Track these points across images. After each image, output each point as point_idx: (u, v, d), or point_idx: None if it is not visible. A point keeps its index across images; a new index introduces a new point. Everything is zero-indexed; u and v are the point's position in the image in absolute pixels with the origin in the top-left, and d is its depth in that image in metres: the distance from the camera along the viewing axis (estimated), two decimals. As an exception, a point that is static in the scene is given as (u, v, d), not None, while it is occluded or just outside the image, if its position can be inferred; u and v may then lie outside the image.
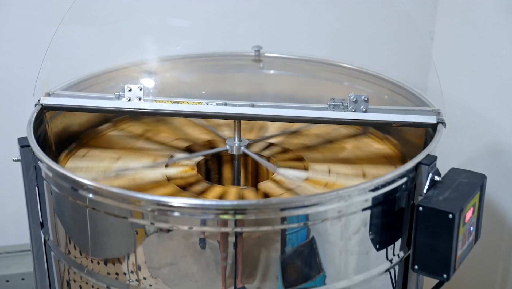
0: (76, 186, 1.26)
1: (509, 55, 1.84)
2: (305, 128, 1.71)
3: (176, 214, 1.19)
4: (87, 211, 1.26)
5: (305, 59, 1.84)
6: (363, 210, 1.25)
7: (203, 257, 1.23)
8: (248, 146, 1.55)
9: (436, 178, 1.30)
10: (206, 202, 1.23)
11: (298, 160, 1.55)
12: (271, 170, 1.50)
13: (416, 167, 1.30)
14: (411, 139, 1.57)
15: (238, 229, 1.19)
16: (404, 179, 1.29)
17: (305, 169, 1.50)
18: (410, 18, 1.76)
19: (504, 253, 1.90)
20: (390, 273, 1.36)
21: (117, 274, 1.29)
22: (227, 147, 1.55)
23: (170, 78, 1.78)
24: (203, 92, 1.77)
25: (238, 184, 1.59)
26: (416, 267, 1.28)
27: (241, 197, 1.42)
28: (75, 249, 1.34)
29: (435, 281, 1.36)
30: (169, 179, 1.47)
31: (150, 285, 1.26)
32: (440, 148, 1.37)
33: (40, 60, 1.54)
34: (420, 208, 1.24)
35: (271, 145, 1.63)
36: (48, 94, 1.55)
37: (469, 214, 1.28)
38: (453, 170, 1.35)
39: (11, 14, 1.91)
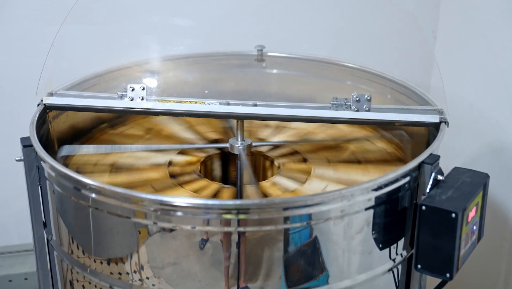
0: (78, 185, 1.26)
1: (511, 54, 1.84)
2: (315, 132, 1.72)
3: (179, 213, 1.19)
4: (90, 211, 1.26)
5: (307, 59, 1.84)
6: (366, 209, 1.25)
7: (206, 256, 1.23)
8: (252, 146, 1.55)
9: (439, 177, 1.30)
10: (209, 202, 1.23)
11: (302, 162, 1.55)
12: (251, 182, 1.51)
13: (419, 166, 1.30)
14: (414, 138, 1.57)
15: (241, 229, 1.19)
16: (407, 178, 1.28)
17: (307, 172, 1.50)
18: (413, 18, 1.76)
19: (507, 252, 1.89)
20: (393, 273, 1.36)
21: (120, 273, 1.29)
22: (228, 145, 1.55)
23: (172, 78, 1.79)
24: (206, 91, 1.77)
25: (240, 182, 1.59)
26: (419, 266, 1.28)
27: (216, 195, 1.43)
28: (78, 248, 1.34)
29: (438, 280, 1.36)
30: (170, 165, 1.50)
31: (153, 285, 1.26)
32: (443, 147, 1.37)
33: (41, 59, 1.54)
34: (423, 207, 1.24)
35: (279, 145, 1.63)
36: (51, 94, 1.55)
37: (472, 213, 1.28)
38: (456, 169, 1.35)
39: (12, 13, 1.91)
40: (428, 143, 1.46)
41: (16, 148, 1.39)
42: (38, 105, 1.52)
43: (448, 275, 1.26)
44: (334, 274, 1.27)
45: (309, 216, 1.21)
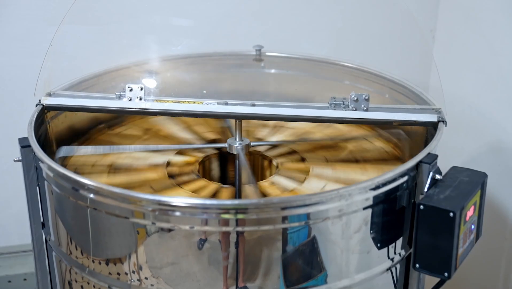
0: (77, 186, 1.26)
1: (511, 54, 1.84)
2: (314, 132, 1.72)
3: (177, 213, 1.19)
4: (88, 211, 1.26)
5: (306, 58, 1.84)
6: (364, 208, 1.25)
7: (204, 256, 1.23)
8: (250, 146, 1.55)
9: (437, 176, 1.30)
10: (207, 202, 1.23)
11: (300, 161, 1.55)
12: (249, 182, 1.50)
13: (417, 166, 1.30)
14: (412, 138, 1.57)
15: (239, 228, 1.19)
16: (405, 178, 1.29)
17: (306, 172, 1.50)
18: (412, 17, 1.76)
19: (506, 251, 1.89)
20: (392, 272, 1.36)
21: (118, 274, 1.29)
22: (226, 145, 1.55)
23: (171, 78, 1.79)
24: (204, 91, 1.77)
25: (239, 182, 1.59)
26: (417, 265, 1.28)
27: (214, 195, 1.43)
28: (76, 249, 1.34)
29: (436, 280, 1.36)
30: (168, 165, 1.51)
31: (152, 285, 1.26)
32: (441, 147, 1.37)
33: (42, 60, 1.54)
34: (421, 207, 1.24)
35: (277, 145, 1.63)
36: (49, 94, 1.55)
37: (470, 213, 1.28)
38: (454, 168, 1.35)
39: (13, 14, 1.91)
40: (426, 143, 1.46)
41: (16, 148, 1.39)
42: (36, 105, 1.52)
43: (446, 274, 1.26)
44: (333, 273, 1.27)
45: (307, 216, 1.21)
